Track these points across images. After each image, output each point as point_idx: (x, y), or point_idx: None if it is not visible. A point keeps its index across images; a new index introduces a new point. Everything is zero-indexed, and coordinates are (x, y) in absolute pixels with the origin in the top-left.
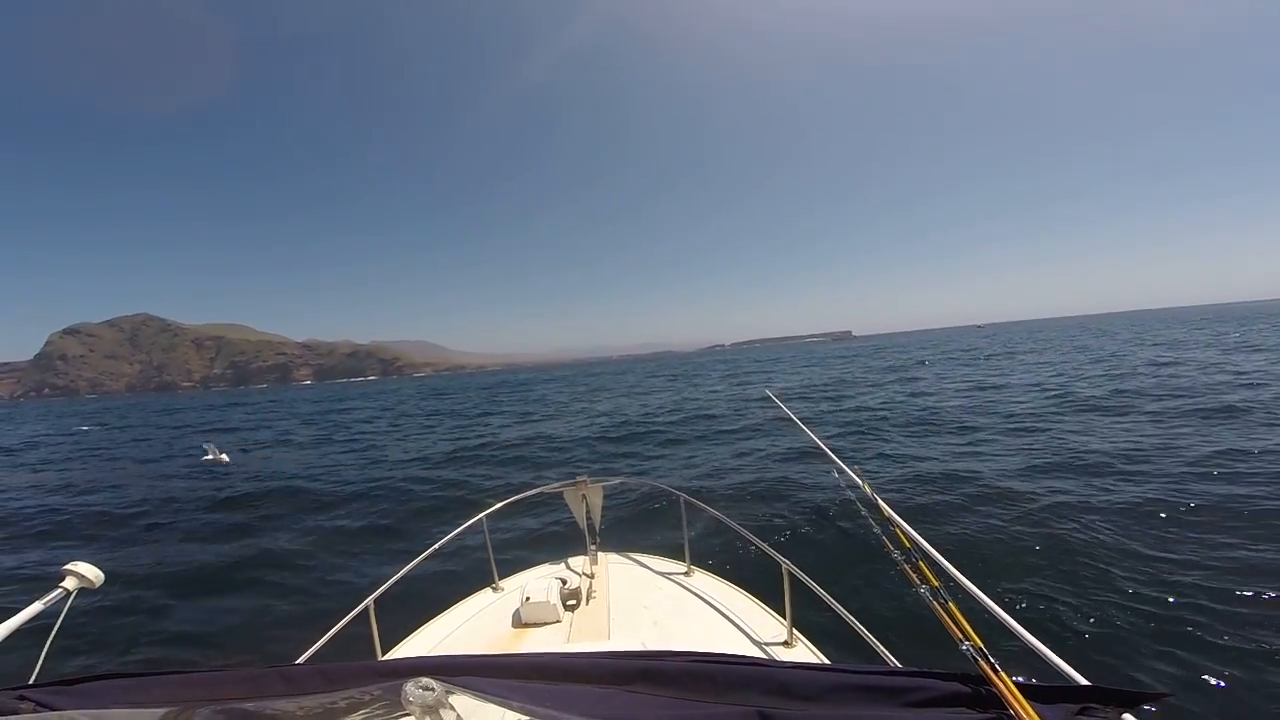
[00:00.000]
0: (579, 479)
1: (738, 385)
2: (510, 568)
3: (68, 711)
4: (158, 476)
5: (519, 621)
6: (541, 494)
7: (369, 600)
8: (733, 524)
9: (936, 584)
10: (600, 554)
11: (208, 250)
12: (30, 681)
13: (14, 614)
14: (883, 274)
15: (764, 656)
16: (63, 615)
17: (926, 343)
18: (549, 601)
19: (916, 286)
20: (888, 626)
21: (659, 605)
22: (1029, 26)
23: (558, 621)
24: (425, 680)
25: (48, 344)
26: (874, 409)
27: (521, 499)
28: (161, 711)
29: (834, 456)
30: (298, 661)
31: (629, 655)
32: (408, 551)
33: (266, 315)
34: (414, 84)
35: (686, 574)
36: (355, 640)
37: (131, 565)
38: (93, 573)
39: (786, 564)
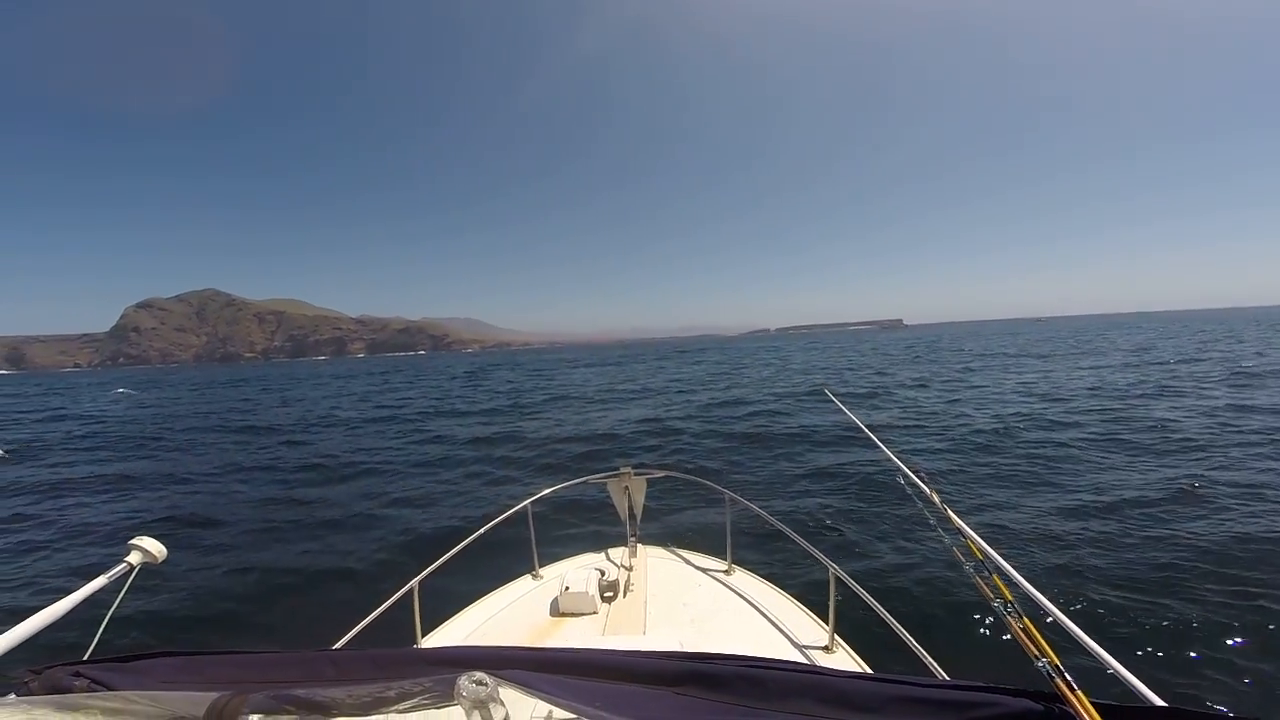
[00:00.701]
0: (622, 470)
1: (787, 373)
2: (550, 556)
3: (122, 691)
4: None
5: (556, 611)
6: (585, 483)
7: (414, 582)
8: (779, 524)
9: (1010, 598)
10: (640, 547)
11: (270, 230)
12: (85, 658)
13: (80, 587)
14: (934, 265)
15: (804, 660)
16: (124, 590)
17: (996, 334)
18: (587, 592)
19: (965, 277)
20: (945, 638)
21: (697, 602)
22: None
23: (594, 613)
24: (478, 674)
25: (123, 317)
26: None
27: (566, 487)
28: (214, 695)
29: (898, 461)
30: (341, 642)
31: (678, 656)
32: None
33: (323, 291)
34: (468, 66)
35: (727, 572)
36: (396, 621)
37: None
38: (157, 548)
39: (833, 568)
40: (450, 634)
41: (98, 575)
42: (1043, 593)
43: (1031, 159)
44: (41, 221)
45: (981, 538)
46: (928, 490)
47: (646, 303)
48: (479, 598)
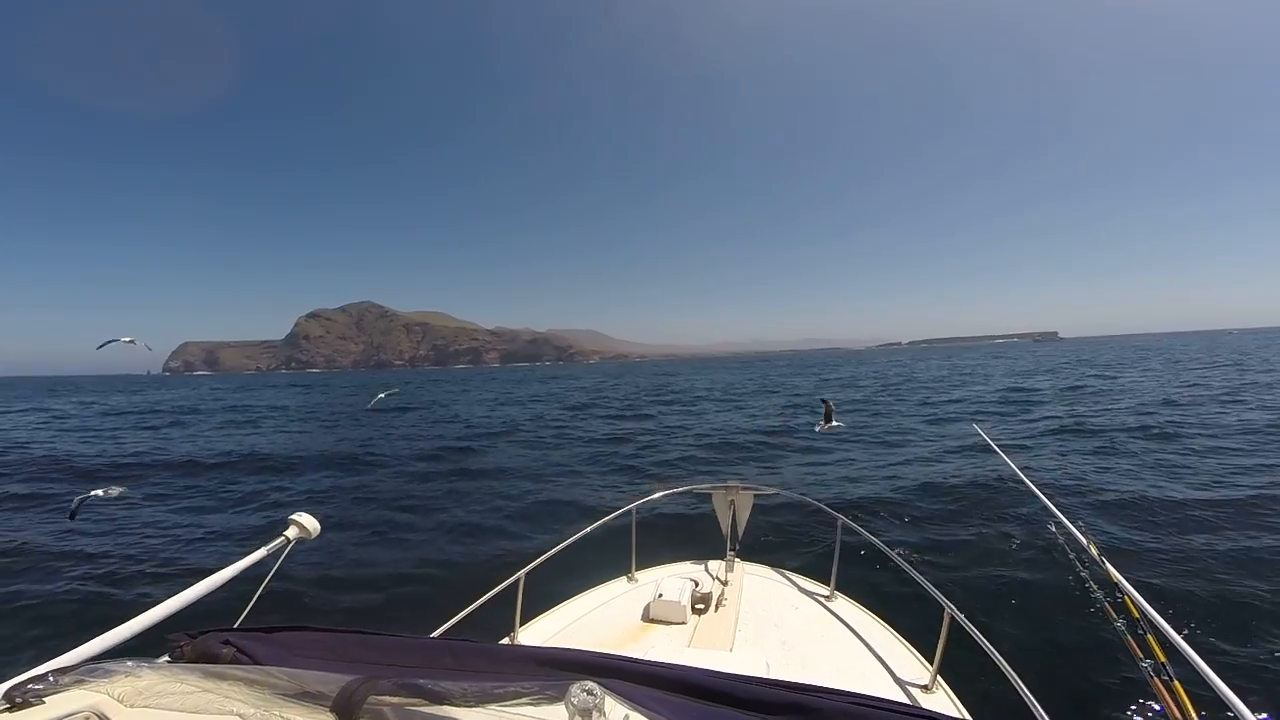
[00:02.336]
0: (730, 483)
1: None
2: (647, 561)
3: (265, 666)
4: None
5: (647, 616)
6: (691, 492)
7: (520, 574)
8: (894, 555)
9: (1164, 658)
10: (738, 562)
11: (417, 246)
12: (235, 625)
13: (241, 559)
14: (1091, 276)
15: (901, 697)
16: (279, 563)
17: (1169, 349)
18: (680, 602)
19: (1128, 288)
20: (1067, 693)
21: (791, 625)
22: None
23: (683, 623)
24: (590, 684)
25: (295, 326)
26: None
27: (671, 494)
28: (345, 678)
29: (1054, 508)
30: (448, 625)
31: (780, 685)
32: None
33: (463, 304)
34: (588, 89)
35: (828, 597)
36: (498, 611)
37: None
38: (312, 524)
39: (949, 606)
40: (545, 627)
41: (258, 547)
42: (1212, 664)
43: (1223, 160)
44: (233, 241)
45: (1142, 595)
46: (1082, 538)
47: (764, 315)
48: (575, 595)
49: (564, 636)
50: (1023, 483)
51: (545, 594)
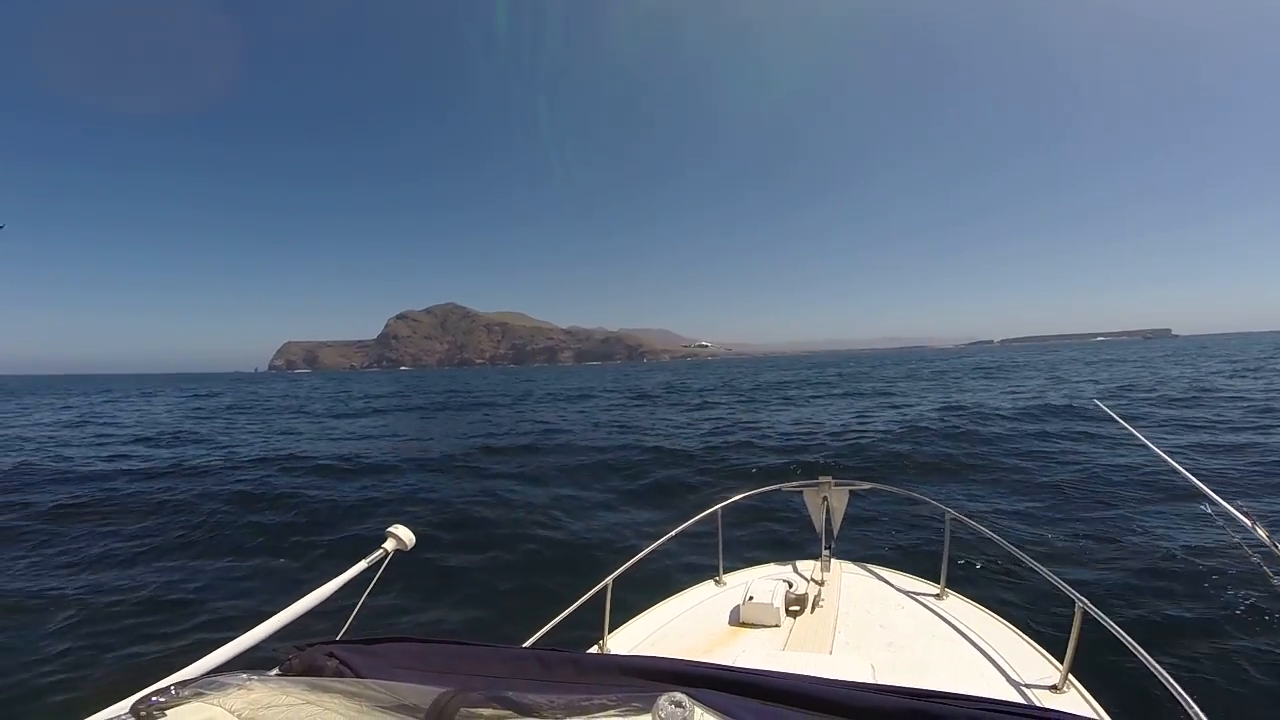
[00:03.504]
0: (822, 479)
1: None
2: (735, 563)
3: (363, 678)
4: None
5: (737, 620)
6: (780, 490)
7: (608, 580)
8: (1011, 548)
9: None
10: (834, 561)
11: (495, 248)
12: (338, 638)
13: (343, 572)
14: (1210, 270)
15: (1026, 701)
16: (378, 575)
17: None
18: (772, 604)
19: (1249, 283)
20: (1228, 697)
21: (897, 625)
22: None
23: (776, 626)
24: (678, 695)
25: (386, 326)
26: None
27: (759, 494)
28: (437, 690)
29: (1203, 487)
30: (538, 635)
31: (898, 691)
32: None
33: (538, 304)
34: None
35: (938, 596)
36: (587, 616)
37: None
38: (408, 536)
39: (1081, 600)
40: (633, 633)
41: (358, 561)
42: None
43: None
44: (329, 248)
45: None
46: (1243, 519)
47: (840, 313)
48: (662, 600)
49: (652, 642)
50: (1161, 460)
51: (632, 600)
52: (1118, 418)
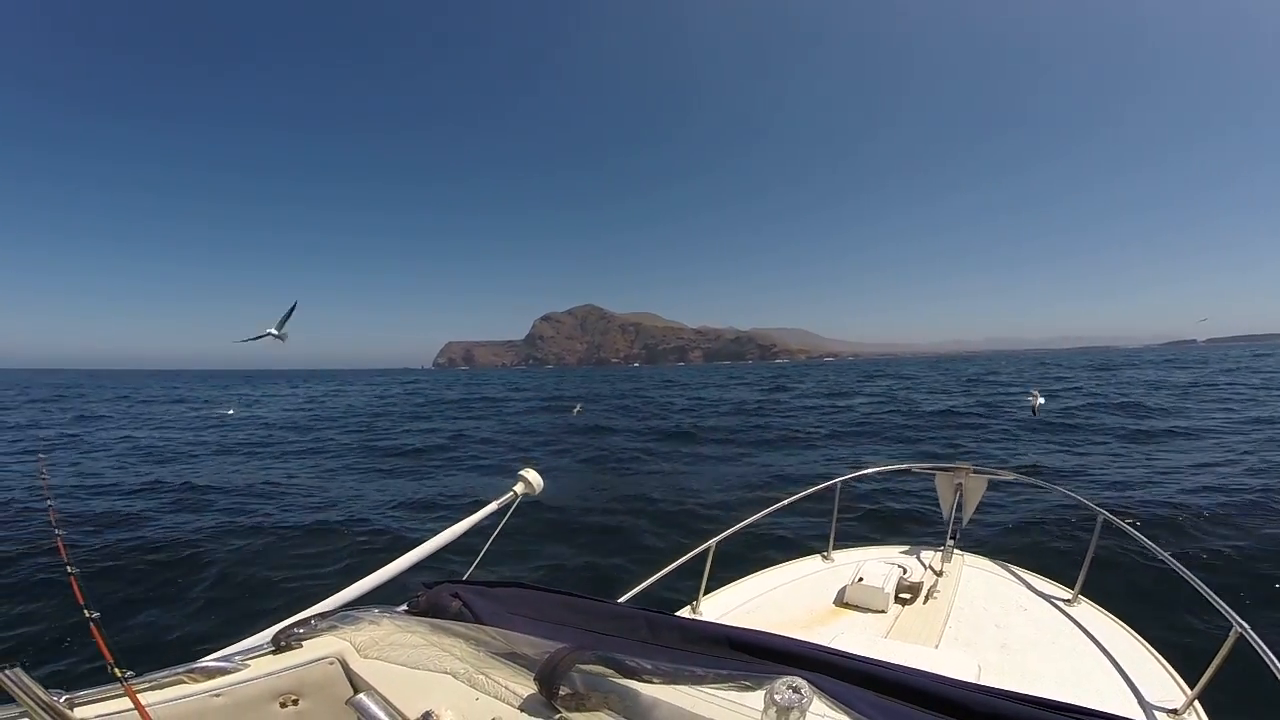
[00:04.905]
0: (959, 465)
1: None
2: (848, 541)
3: (483, 624)
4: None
5: (841, 600)
6: (910, 471)
7: (711, 543)
8: (1169, 558)
9: None
10: (957, 553)
11: (628, 249)
12: (465, 578)
13: (475, 512)
14: None
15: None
16: (507, 517)
17: None
18: (883, 589)
19: None
20: None
21: (1015, 627)
22: None
23: (883, 611)
24: (798, 681)
25: (532, 328)
26: None
27: (887, 470)
28: (552, 646)
29: None
30: (636, 590)
31: (1011, 696)
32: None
33: (670, 304)
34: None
35: (1069, 601)
36: (680, 579)
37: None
38: (537, 480)
39: (1241, 626)
40: (730, 599)
41: (489, 501)
42: None
43: None
44: (481, 249)
45: None
46: None
47: (1005, 308)
48: (764, 568)
49: (746, 610)
50: None
51: (733, 566)
52: None
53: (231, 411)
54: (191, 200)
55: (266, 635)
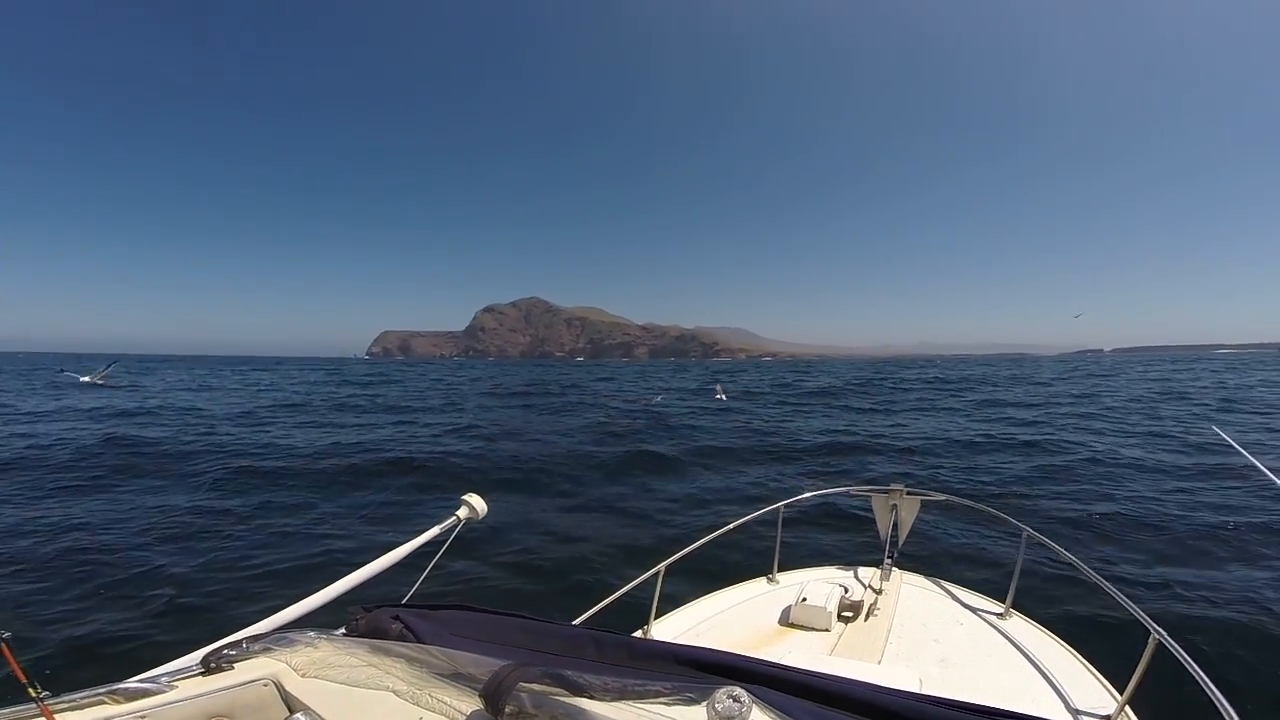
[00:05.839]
0: (893, 487)
1: None
2: (790, 562)
3: (426, 644)
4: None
5: (787, 620)
6: (848, 493)
7: (660, 567)
8: (1091, 572)
9: None
10: (895, 571)
11: (578, 244)
12: (404, 601)
13: (416, 536)
14: None
15: None
16: (449, 542)
17: None
18: (825, 608)
19: None
20: None
21: (953, 641)
22: None
23: (827, 630)
24: (737, 690)
25: (473, 318)
26: None
27: (826, 494)
28: (496, 664)
29: None
30: (586, 615)
31: (946, 704)
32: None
33: (616, 300)
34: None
35: (1001, 615)
36: (634, 601)
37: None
38: (480, 505)
39: (1158, 631)
40: (680, 621)
41: (431, 526)
42: None
43: None
44: (421, 240)
45: None
46: None
47: (933, 316)
48: (710, 591)
49: (697, 633)
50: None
51: (681, 589)
52: (1234, 444)
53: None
54: (98, 178)
55: (194, 657)
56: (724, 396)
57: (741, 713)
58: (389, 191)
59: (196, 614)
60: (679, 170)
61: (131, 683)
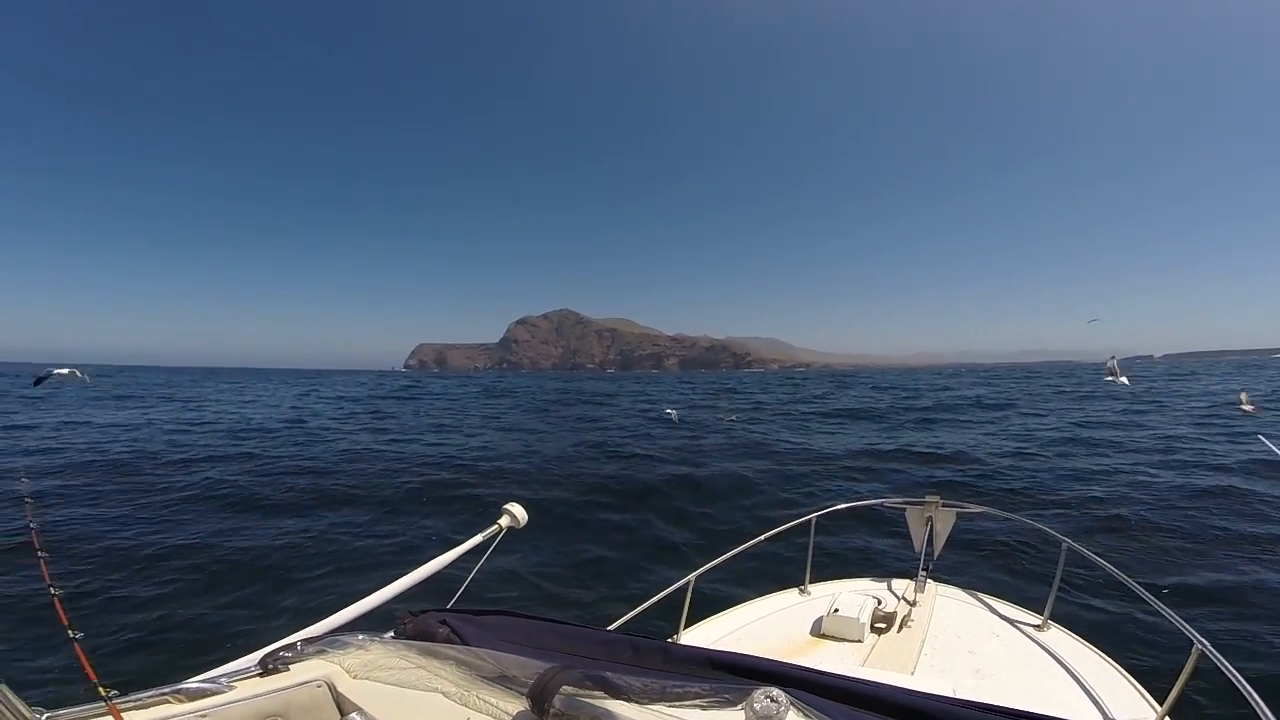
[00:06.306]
0: (929, 498)
1: None
2: (823, 573)
3: (471, 647)
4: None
5: (819, 630)
6: (883, 505)
7: (691, 577)
8: (1132, 583)
9: None
10: (930, 583)
11: (608, 254)
12: (450, 606)
13: (461, 543)
14: None
15: None
16: (491, 549)
17: None
18: (858, 619)
19: None
20: None
21: (988, 653)
22: None
23: (859, 641)
24: (775, 691)
25: (507, 331)
26: None
27: (859, 506)
28: (540, 666)
29: None
30: (619, 623)
31: (981, 708)
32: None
33: (646, 311)
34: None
35: (1039, 627)
36: (665, 610)
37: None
38: (522, 514)
39: (1202, 643)
40: (709, 632)
41: (475, 534)
42: None
43: None
44: (458, 253)
45: None
46: None
47: (976, 322)
48: (742, 602)
49: (727, 643)
50: None
51: (711, 600)
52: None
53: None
54: (146, 192)
55: (253, 659)
56: (673, 413)
57: (780, 713)
58: (420, 205)
59: None
60: (708, 179)
61: (193, 683)
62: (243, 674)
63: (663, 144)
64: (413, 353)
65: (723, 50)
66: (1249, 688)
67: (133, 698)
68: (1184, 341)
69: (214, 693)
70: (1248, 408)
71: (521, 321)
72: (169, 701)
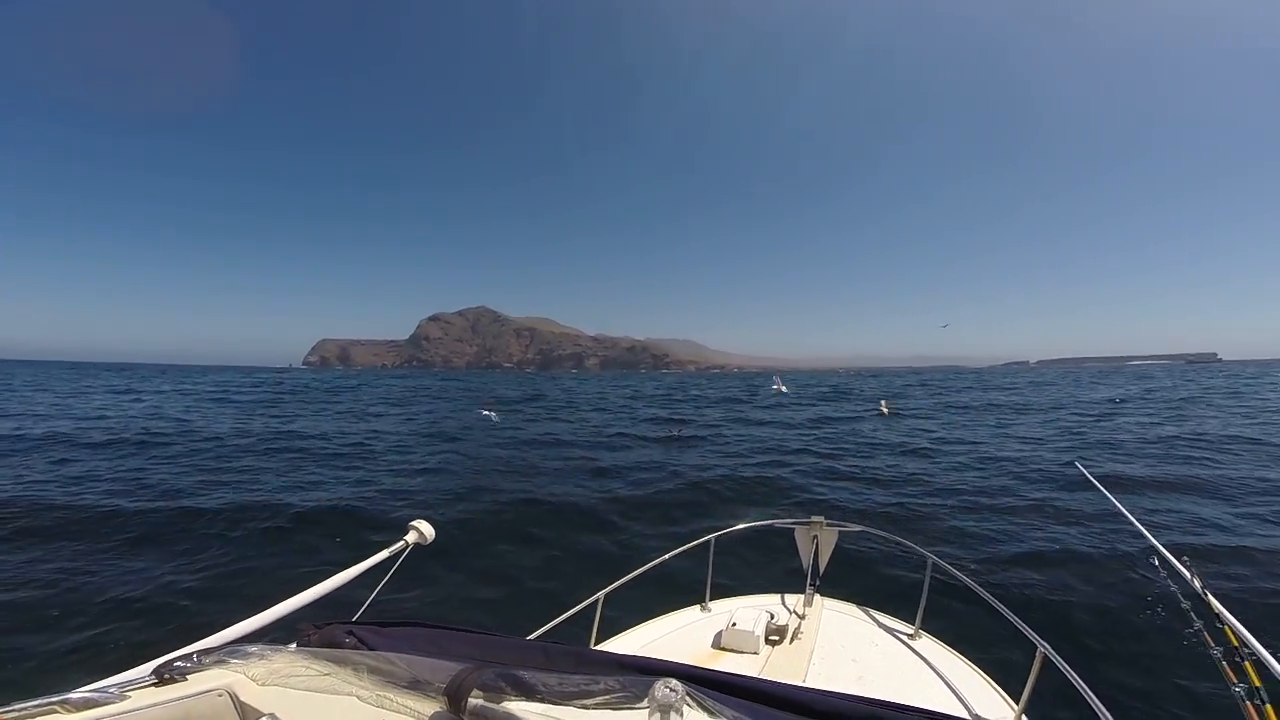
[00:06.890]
0: (814, 519)
1: None
2: (721, 591)
3: (382, 653)
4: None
5: (718, 644)
6: (772, 526)
7: (600, 594)
8: (985, 594)
9: (1258, 682)
10: (818, 597)
11: (530, 255)
12: (355, 619)
13: (364, 559)
14: (1263, 291)
15: None
16: (397, 565)
17: None
18: (753, 632)
19: None
20: None
21: (869, 661)
22: None
23: (755, 653)
24: (673, 681)
25: (418, 327)
26: None
27: (753, 527)
28: (454, 667)
29: (1157, 544)
30: (534, 635)
31: (863, 700)
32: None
33: (567, 310)
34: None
35: (912, 636)
36: (576, 627)
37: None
38: (429, 531)
39: (1044, 647)
40: (618, 647)
41: (380, 549)
42: None
43: None
44: (366, 251)
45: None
46: (1185, 571)
47: (872, 329)
48: (647, 619)
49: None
50: (1127, 520)
51: (618, 617)
52: (1089, 475)
53: None
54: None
55: (145, 669)
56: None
57: (677, 701)
58: (330, 203)
59: None
60: (623, 186)
61: (82, 692)
62: (136, 684)
63: (588, 160)
64: (313, 348)
65: (650, 44)
66: (1084, 684)
67: (15, 707)
68: (1058, 348)
69: (105, 702)
70: (885, 412)
71: (434, 318)
72: (56, 711)
